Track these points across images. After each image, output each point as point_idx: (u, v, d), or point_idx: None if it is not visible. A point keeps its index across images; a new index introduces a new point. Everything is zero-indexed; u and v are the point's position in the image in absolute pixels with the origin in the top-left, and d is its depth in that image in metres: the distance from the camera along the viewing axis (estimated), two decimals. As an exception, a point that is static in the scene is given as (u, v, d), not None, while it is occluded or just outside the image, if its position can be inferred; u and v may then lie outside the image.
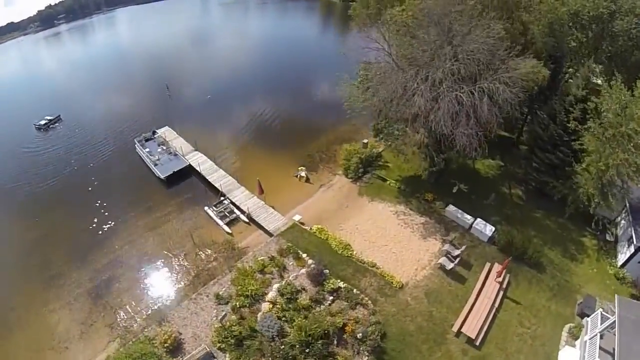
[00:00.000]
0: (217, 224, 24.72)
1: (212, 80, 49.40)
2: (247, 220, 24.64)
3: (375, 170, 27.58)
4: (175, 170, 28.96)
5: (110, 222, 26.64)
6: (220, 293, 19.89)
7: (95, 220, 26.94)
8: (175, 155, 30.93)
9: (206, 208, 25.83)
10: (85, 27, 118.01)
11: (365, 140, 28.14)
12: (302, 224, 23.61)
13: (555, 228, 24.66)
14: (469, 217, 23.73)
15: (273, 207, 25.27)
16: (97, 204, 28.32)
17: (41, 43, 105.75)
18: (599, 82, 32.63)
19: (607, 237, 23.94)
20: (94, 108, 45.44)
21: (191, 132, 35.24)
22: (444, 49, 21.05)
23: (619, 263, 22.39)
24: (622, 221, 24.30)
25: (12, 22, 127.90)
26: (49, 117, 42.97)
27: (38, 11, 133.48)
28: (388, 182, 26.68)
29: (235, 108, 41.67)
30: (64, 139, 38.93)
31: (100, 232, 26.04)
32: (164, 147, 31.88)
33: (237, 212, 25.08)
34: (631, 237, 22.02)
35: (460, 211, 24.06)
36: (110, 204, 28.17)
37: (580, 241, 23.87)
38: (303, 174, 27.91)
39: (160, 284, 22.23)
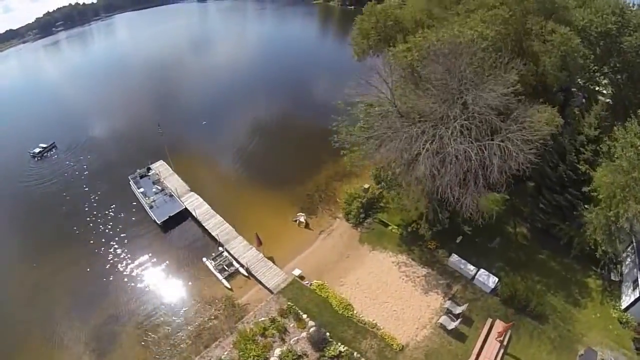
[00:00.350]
0: (216, 277, 25.65)
1: (208, 101, 50.22)
2: (246, 274, 25.51)
3: (377, 213, 28.20)
4: (172, 215, 29.68)
5: (109, 274, 27.72)
6: (222, 358, 21.02)
7: (94, 270, 28.01)
8: (171, 196, 31.71)
9: (204, 259, 26.75)
10: (83, 35, 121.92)
11: (367, 186, 28.55)
12: (302, 278, 24.55)
13: (560, 270, 25.44)
14: (472, 267, 24.51)
15: (272, 259, 26.19)
16: (95, 251, 29.31)
17: (39, 53, 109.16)
18: (605, 91, 33.35)
19: (612, 277, 24.69)
20: (88, 132, 46.65)
21: (186, 166, 36.03)
22: (454, 103, 20.92)
23: (623, 305, 23.18)
24: (628, 258, 24.95)
25: (10, 30, 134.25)
26: (43, 145, 44.36)
27: (36, 19, 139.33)
28: (390, 228, 27.37)
29: (231, 135, 42.28)
30: (59, 172, 39.99)
31: (99, 283, 27.15)
32: (159, 187, 32.59)
33: (236, 265, 26.01)
34: (637, 279, 22.76)
35: (463, 261, 24.81)
36: (108, 252, 29.20)
37: (584, 283, 24.69)
38: (302, 219, 28.62)
39: (163, 342, 23.38)
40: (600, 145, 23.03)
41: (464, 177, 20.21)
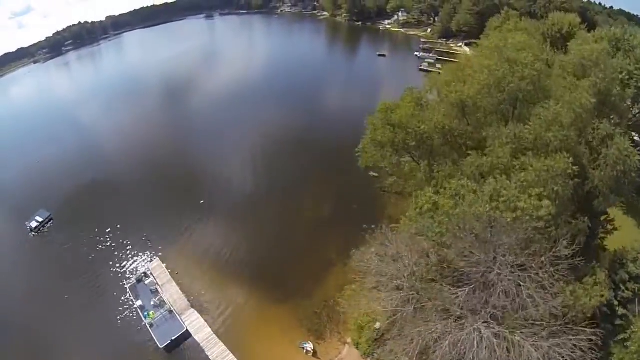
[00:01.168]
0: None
1: (208, 175, 51.80)
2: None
3: (389, 341, 27.56)
4: (173, 339, 30.46)
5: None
6: None
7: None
8: (171, 312, 32.78)
9: (211, 397, 27.33)
10: (92, 55, 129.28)
11: (378, 325, 27.95)
12: None
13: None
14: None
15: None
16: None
17: (48, 77, 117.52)
18: None
19: None
20: (85, 201, 49.90)
21: (184, 268, 37.44)
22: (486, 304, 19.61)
23: None
24: None
25: (22, 48, 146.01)
26: (39, 219, 46.95)
27: (46, 38, 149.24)
28: (403, 360, 26.81)
29: (231, 221, 43.12)
30: (56, 259, 42.05)
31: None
32: (157, 301, 33.91)
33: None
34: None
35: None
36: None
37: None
38: (310, 348, 29.08)
39: None
40: None
41: None
